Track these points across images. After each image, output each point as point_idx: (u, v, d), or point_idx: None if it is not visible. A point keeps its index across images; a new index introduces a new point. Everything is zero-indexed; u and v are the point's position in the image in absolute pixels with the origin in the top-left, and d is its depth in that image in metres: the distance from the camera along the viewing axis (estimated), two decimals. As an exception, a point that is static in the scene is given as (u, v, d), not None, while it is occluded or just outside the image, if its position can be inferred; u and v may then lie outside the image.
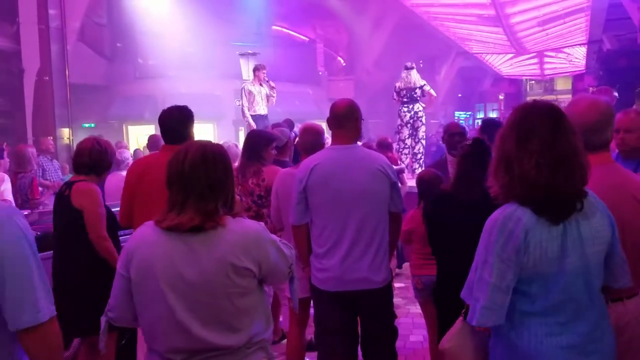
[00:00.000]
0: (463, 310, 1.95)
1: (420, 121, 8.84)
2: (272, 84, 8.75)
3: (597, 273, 1.83)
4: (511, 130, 1.84)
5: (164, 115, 3.38)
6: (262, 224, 2.01)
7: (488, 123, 4.92)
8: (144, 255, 1.83)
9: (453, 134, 4.56)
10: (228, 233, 1.84)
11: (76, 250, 3.26)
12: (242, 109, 8.69)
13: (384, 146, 6.79)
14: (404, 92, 8.73)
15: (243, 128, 12.84)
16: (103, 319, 1.93)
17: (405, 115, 8.83)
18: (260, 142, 4.14)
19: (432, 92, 8.87)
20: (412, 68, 8.73)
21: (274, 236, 2.01)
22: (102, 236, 3.24)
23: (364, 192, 2.95)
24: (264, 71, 8.68)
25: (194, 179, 1.84)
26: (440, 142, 5.84)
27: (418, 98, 8.73)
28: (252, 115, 8.52)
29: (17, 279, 1.52)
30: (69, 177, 4.50)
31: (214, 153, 1.90)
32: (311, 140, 3.64)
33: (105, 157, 3.42)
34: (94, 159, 3.35)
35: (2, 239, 1.50)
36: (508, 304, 1.79)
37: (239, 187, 3.97)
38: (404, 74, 8.75)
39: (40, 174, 6.88)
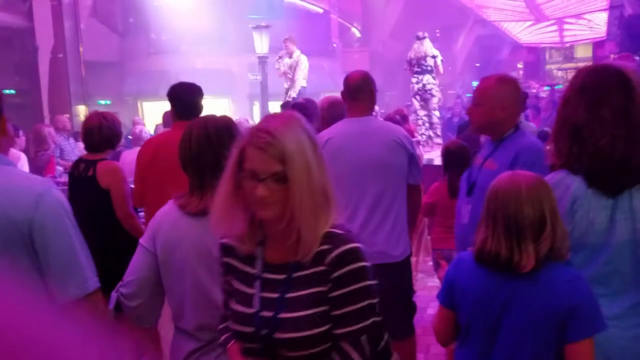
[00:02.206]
0: None
1: (430, 93, 8.65)
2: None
3: None
4: (580, 95, 1.73)
5: (178, 90, 3.31)
6: None
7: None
8: (170, 234, 1.81)
9: None
10: None
11: (106, 231, 3.21)
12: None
13: (400, 118, 6.70)
14: (414, 61, 8.59)
15: (257, 102, 12.78)
16: (113, 295, 1.86)
17: (414, 87, 8.71)
18: (304, 110, 4.03)
19: (440, 67, 8.71)
20: (424, 38, 8.57)
21: None
22: (129, 214, 3.26)
23: (380, 165, 2.89)
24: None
25: (202, 158, 1.81)
26: (464, 112, 5.68)
27: (429, 68, 8.57)
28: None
29: (61, 249, 1.51)
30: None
31: (217, 127, 1.85)
32: (334, 112, 3.56)
33: (115, 130, 3.40)
34: (105, 134, 3.33)
35: (43, 210, 1.48)
36: None
37: None
38: (416, 44, 8.62)
39: (59, 154, 6.89)
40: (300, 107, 3.99)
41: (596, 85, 1.72)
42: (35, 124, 7.66)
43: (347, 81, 3.06)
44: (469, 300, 1.71)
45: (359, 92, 3.02)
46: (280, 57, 8.59)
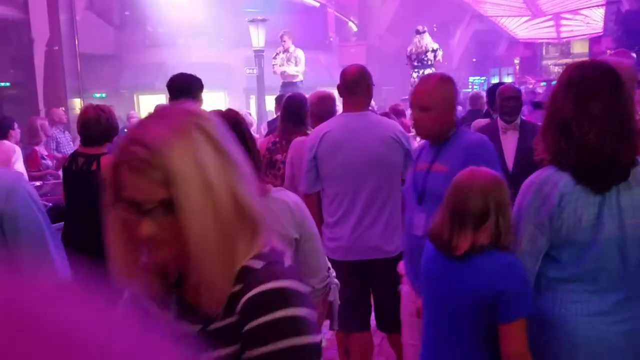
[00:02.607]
0: None
1: None
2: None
3: (637, 245, 1.73)
4: (568, 89, 1.73)
5: (179, 79, 3.30)
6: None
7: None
8: None
9: (508, 97, 4.14)
10: (272, 202, 1.85)
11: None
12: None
13: (396, 113, 6.70)
14: (414, 56, 8.58)
15: (254, 96, 12.75)
16: None
17: (416, 81, 8.67)
18: (301, 106, 4.03)
19: (440, 59, 8.71)
20: (423, 32, 8.58)
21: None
22: None
23: (376, 161, 2.90)
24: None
25: None
26: (484, 106, 5.63)
27: (429, 62, 8.57)
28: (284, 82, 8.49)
29: (32, 240, 1.53)
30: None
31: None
32: (323, 108, 3.57)
33: (113, 123, 3.38)
34: (104, 127, 3.27)
35: (14, 201, 1.52)
36: (537, 269, 1.76)
37: (283, 154, 3.91)
38: (416, 38, 8.62)
39: (54, 147, 6.86)
40: (293, 101, 4.01)
41: (586, 81, 1.72)
42: (30, 116, 7.62)
43: (344, 75, 3.05)
44: (424, 279, 1.97)
45: (356, 86, 3.01)
46: (277, 54, 8.58)
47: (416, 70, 8.60)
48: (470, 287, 1.79)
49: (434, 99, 2.33)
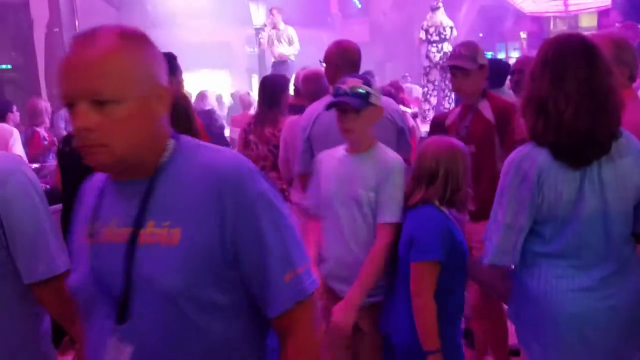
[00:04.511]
0: None
1: None
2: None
3: (621, 220, 1.72)
4: (544, 67, 1.71)
5: None
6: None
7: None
8: None
9: (512, 71, 3.94)
10: None
11: None
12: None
13: (396, 88, 6.65)
14: (433, 29, 8.32)
15: (256, 75, 12.66)
16: None
17: (435, 56, 8.32)
18: (275, 87, 3.99)
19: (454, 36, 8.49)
20: (437, 8, 8.33)
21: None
22: None
23: None
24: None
25: None
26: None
27: (447, 38, 8.34)
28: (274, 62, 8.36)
29: (29, 227, 1.50)
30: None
31: None
32: (314, 87, 3.52)
33: None
34: None
35: (11, 187, 1.48)
36: (522, 245, 1.75)
37: (255, 135, 3.89)
38: (429, 15, 8.39)
39: (64, 126, 6.93)
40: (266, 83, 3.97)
41: (559, 57, 1.69)
42: (31, 98, 7.60)
43: (346, 52, 3.02)
44: None
45: (357, 65, 3.03)
46: (262, 28, 8.38)
47: (435, 44, 8.30)
48: (404, 231, 2.17)
49: None
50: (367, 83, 2.27)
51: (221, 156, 1.17)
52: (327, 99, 3.04)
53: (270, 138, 3.88)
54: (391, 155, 2.33)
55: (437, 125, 3.65)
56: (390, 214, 2.21)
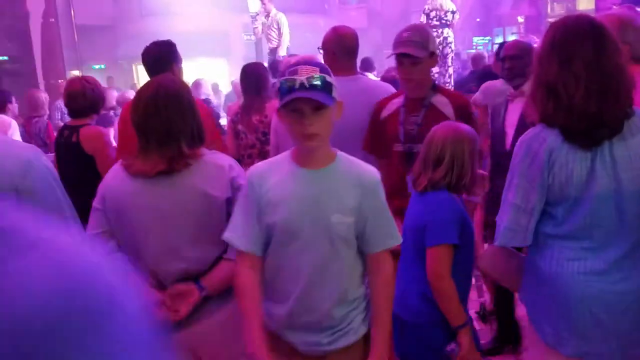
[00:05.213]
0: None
1: (450, 47, 8.22)
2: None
3: (634, 199, 1.67)
4: (552, 50, 1.69)
5: (143, 53, 3.21)
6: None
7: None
8: (116, 194, 1.88)
9: (504, 57, 3.45)
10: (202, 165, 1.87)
11: (92, 198, 3.20)
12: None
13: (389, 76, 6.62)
14: (434, 13, 8.21)
15: (253, 63, 12.61)
16: None
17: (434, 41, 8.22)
18: (258, 76, 3.99)
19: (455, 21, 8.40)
20: None
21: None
22: None
23: (363, 129, 2.83)
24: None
25: (148, 126, 1.82)
26: (460, 69, 5.41)
27: (448, 23, 8.24)
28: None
29: (51, 212, 1.52)
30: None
31: (166, 95, 1.83)
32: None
33: (99, 94, 3.35)
34: (89, 99, 3.28)
35: (34, 174, 1.52)
36: (534, 226, 1.74)
37: (243, 124, 3.90)
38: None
39: (59, 117, 6.91)
40: (247, 72, 3.96)
41: (566, 39, 1.67)
42: (30, 90, 7.58)
43: (343, 38, 2.98)
44: None
45: (355, 51, 3.00)
46: (256, 16, 8.29)
47: (435, 29, 8.17)
48: (414, 216, 2.19)
49: None
50: (325, 70, 1.71)
51: None
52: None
53: (257, 126, 3.88)
54: (364, 167, 1.83)
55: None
56: (393, 238, 1.82)
